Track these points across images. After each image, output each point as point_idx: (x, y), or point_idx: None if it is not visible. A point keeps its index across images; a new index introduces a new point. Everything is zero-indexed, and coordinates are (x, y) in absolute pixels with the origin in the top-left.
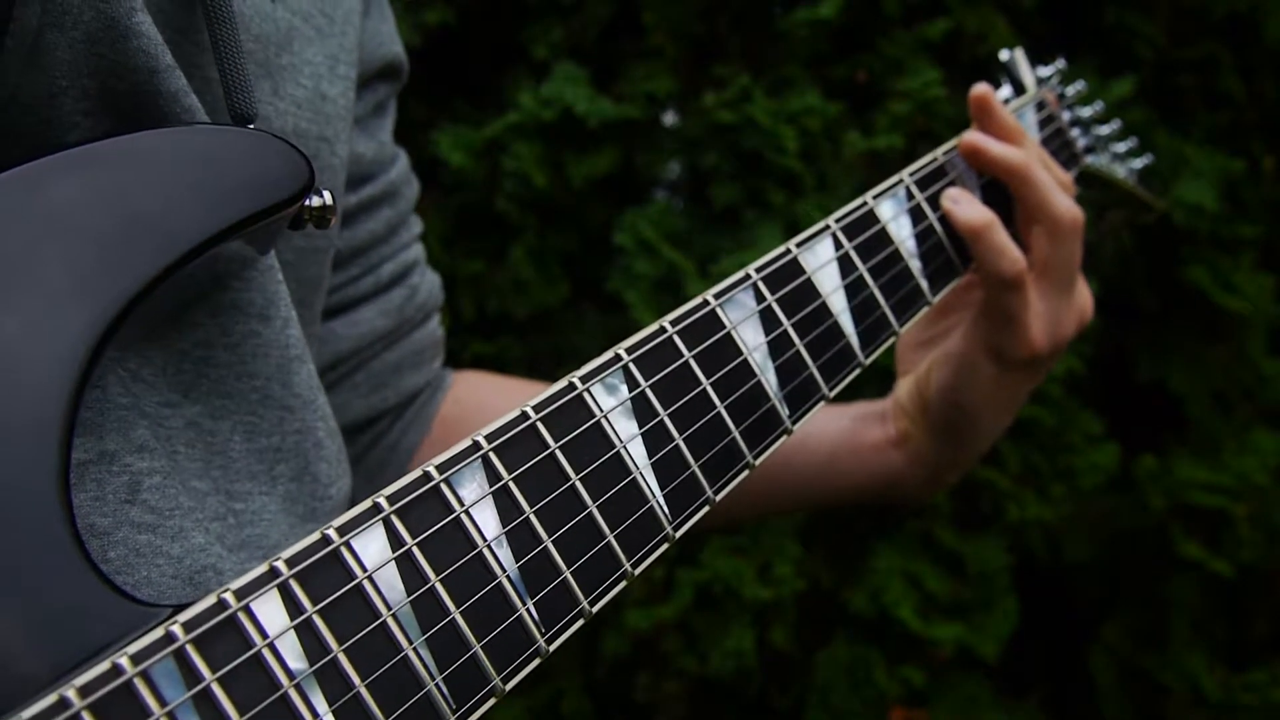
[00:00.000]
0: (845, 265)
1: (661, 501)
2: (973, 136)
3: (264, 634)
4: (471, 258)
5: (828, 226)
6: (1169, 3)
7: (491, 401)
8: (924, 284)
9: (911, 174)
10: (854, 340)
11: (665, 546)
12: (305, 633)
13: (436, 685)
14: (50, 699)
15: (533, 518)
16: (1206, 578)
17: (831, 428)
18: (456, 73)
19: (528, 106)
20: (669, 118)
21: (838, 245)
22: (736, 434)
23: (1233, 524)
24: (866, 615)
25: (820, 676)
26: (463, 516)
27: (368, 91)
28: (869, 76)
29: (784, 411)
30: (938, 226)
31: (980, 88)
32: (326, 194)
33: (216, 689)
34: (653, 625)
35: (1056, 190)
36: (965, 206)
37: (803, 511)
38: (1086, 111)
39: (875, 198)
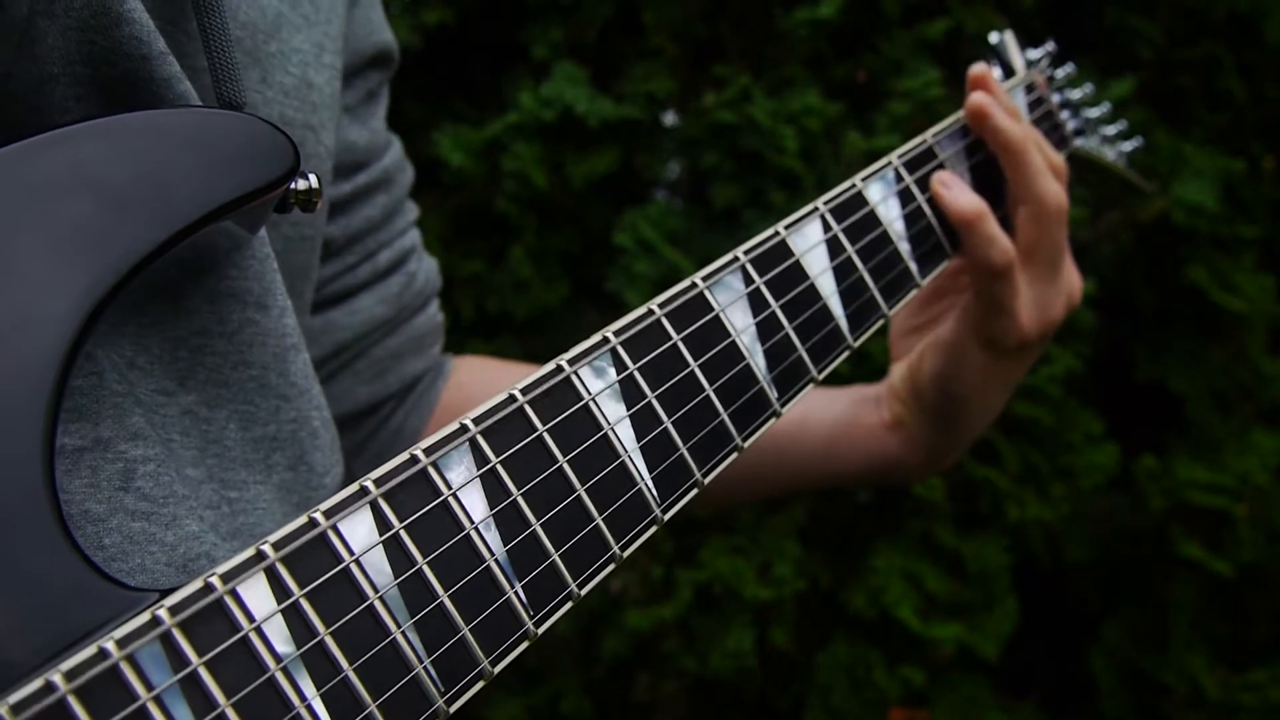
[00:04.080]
0: (834, 247)
1: (650, 484)
2: (982, 99)
3: (251, 617)
4: (471, 258)
5: (816, 209)
6: (1169, 3)
7: (494, 385)
8: (913, 267)
9: (900, 156)
10: (843, 323)
11: (654, 529)
12: (292, 616)
13: (425, 668)
14: (36, 683)
15: (521, 500)
16: (1206, 578)
17: (828, 413)
18: (456, 73)
19: (528, 106)
20: (669, 118)
21: (826, 227)
22: (725, 416)
23: (1233, 524)
24: (866, 615)
25: (820, 676)
26: (450, 499)
27: (359, 79)
28: (869, 76)
29: (773, 394)
30: (927, 209)
31: (979, 67)
32: (312, 177)
33: (203, 672)
34: (653, 625)
35: (1046, 174)
36: (956, 193)
37: (799, 493)
38: (1076, 94)
39: (864, 180)
